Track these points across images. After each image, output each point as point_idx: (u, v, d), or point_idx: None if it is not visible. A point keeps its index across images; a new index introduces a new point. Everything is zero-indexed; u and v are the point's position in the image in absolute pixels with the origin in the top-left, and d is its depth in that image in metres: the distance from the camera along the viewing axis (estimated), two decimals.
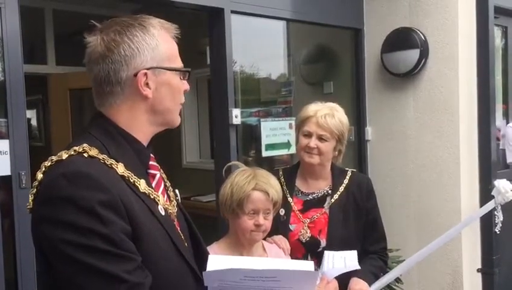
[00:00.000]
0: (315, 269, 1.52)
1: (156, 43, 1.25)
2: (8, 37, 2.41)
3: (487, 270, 3.74)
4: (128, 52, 1.22)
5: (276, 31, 4.24)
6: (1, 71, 2.43)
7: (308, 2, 3.69)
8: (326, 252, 2.04)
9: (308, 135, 2.16)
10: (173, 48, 1.31)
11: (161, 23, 1.30)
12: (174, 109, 1.32)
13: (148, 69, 1.24)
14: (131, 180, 1.20)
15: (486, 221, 3.63)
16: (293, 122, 3.51)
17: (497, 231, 3.66)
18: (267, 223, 1.91)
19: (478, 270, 3.76)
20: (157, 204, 1.26)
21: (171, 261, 1.23)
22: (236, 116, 3.19)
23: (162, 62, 1.27)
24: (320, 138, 2.15)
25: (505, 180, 2.94)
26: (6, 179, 2.42)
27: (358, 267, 2.00)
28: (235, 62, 3.42)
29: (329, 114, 2.15)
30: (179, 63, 1.32)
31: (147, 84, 1.25)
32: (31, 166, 2.44)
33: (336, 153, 2.22)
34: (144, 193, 1.23)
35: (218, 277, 1.28)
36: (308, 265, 1.45)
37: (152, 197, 1.25)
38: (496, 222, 3.62)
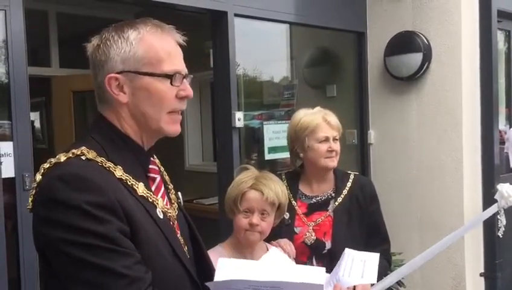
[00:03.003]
0: (325, 274, 1.51)
1: (130, 47, 1.22)
2: (12, 40, 2.42)
3: (490, 274, 3.73)
4: (102, 57, 1.23)
5: (279, 34, 4.25)
6: (5, 73, 2.44)
7: (311, 6, 3.69)
8: (346, 251, 1.95)
9: (326, 140, 2.20)
10: (161, 50, 1.24)
11: (152, 26, 1.26)
12: (157, 116, 1.25)
13: (118, 73, 1.22)
14: (129, 183, 1.21)
15: (489, 225, 3.62)
16: None
17: (500, 235, 3.65)
18: (263, 224, 1.90)
19: (481, 275, 3.75)
20: (156, 207, 1.26)
21: (168, 264, 1.23)
22: (239, 119, 3.19)
23: (138, 66, 1.22)
24: (334, 139, 2.22)
25: (508, 184, 2.93)
26: (10, 181, 2.42)
27: (375, 279, 1.89)
28: (238, 65, 3.42)
29: (331, 115, 2.25)
30: (167, 67, 1.24)
31: (121, 88, 1.23)
32: (34, 168, 2.45)
33: None
34: (142, 196, 1.23)
35: (224, 287, 1.29)
36: (317, 273, 1.42)
37: (151, 200, 1.26)
38: (499, 226, 3.61)
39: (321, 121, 2.21)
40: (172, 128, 1.29)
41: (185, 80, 1.28)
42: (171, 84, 1.24)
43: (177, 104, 1.27)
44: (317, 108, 2.29)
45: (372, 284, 1.95)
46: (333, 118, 2.25)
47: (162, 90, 1.24)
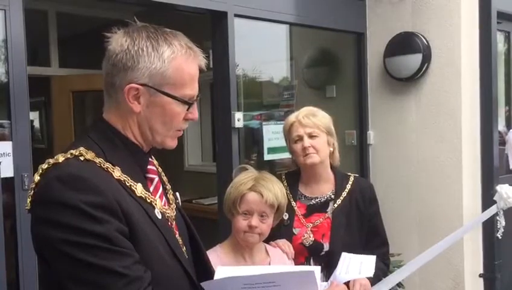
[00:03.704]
0: (322, 274, 1.52)
1: (162, 65, 1.22)
2: (12, 40, 2.42)
3: (489, 275, 3.73)
4: (129, 62, 1.21)
5: (279, 35, 4.25)
6: (5, 73, 2.44)
7: (311, 6, 3.69)
8: (343, 254, 1.99)
9: (299, 139, 2.20)
10: (187, 75, 1.26)
11: (187, 47, 1.26)
12: (164, 133, 1.29)
13: (141, 85, 1.22)
14: (128, 184, 1.22)
15: (488, 226, 3.62)
16: None
17: (499, 236, 3.66)
18: (262, 226, 1.90)
19: (480, 276, 3.75)
20: (154, 208, 1.27)
21: (166, 264, 1.23)
22: (238, 119, 3.19)
23: (162, 84, 1.23)
24: (311, 136, 2.19)
25: (507, 185, 2.94)
26: (9, 181, 2.42)
27: (372, 273, 1.92)
28: (238, 65, 3.42)
29: (308, 114, 2.22)
30: (188, 91, 1.26)
31: (138, 99, 1.23)
32: (33, 168, 2.44)
33: (331, 148, 2.25)
34: (141, 196, 1.24)
35: (218, 287, 1.28)
36: (312, 270, 1.44)
37: (149, 201, 1.26)
38: (498, 227, 3.62)
39: (294, 121, 2.22)
40: (172, 143, 1.33)
41: (195, 102, 1.31)
42: (187, 110, 1.29)
43: (182, 125, 1.32)
44: (306, 107, 2.29)
45: (372, 284, 1.95)
46: (308, 118, 2.19)
47: (176, 112, 1.27)
